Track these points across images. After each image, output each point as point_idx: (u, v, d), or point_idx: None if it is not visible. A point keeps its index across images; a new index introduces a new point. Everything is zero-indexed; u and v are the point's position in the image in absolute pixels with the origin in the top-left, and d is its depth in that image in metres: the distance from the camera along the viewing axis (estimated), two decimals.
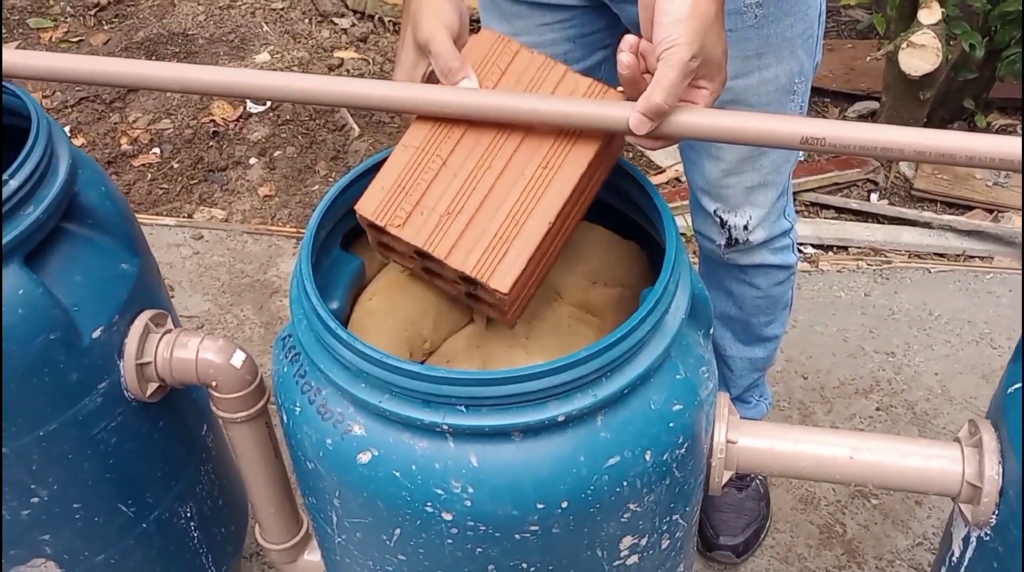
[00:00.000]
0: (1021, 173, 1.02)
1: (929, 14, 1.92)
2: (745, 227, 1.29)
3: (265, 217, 2.14)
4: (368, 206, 0.86)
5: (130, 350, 1.05)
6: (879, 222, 2.19)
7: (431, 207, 0.85)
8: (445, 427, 0.77)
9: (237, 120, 2.39)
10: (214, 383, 1.05)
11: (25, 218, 0.96)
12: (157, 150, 2.33)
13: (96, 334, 1.01)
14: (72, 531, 1.09)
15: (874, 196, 2.27)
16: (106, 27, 2.73)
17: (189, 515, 1.22)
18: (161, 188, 2.22)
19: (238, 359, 1.06)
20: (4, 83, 1.06)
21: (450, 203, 0.85)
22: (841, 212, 2.23)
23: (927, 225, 2.16)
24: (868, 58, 2.23)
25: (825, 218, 2.22)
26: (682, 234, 1.24)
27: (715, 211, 1.30)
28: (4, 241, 0.94)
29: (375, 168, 0.91)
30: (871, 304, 1.86)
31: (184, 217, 2.14)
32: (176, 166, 2.28)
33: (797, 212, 2.10)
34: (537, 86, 0.87)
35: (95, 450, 1.05)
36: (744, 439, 0.94)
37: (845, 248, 2.12)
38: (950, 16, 1.99)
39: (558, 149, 0.85)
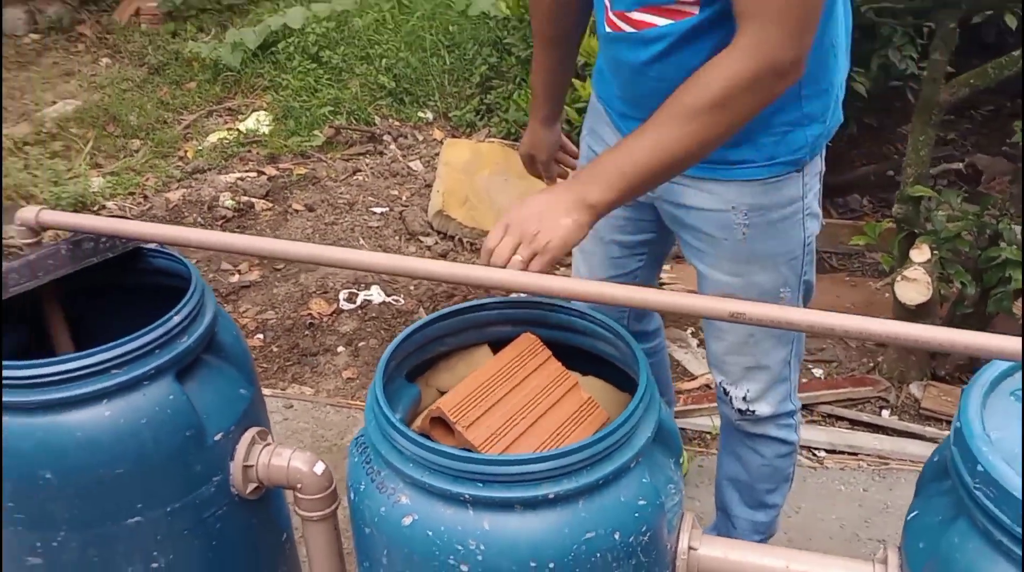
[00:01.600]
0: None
1: (919, 254, 2.26)
2: (744, 398, 1.58)
3: (346, 395, 2.50)
4: (448, 404, 1.19)
5: (239, 454, 1.37)
6: (887, 434, 2.43)
7: (492, 420, 1.18)
8: (467, 497, 1.06)
9: (331, 315, 2.80)
10: (299, 485, 1.36)
11: (180, 345, 1.32)
12: (261, 336, 2.74)
13: (217, 438, 1.34)
14: None
15: (885, 412, 2.51)
16: None
17: None
18: (261, 367, 2.60)
19: (319, 468, 1.36)
20: (170, 252, 1.46)
21: (508, 420, 1.19)
22: (854, 424, 2.48)
23: (932, 440, 2.39)
24: (878, 287, 2.55)
25: (839, 428, 2.47)
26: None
27: (720, 382, 1.61)
28: (164, 361, 1.29)
29: (430, 322, 1.26)
30: (868, 498, 2.08)
31: (278, 390, 2.50)
32: (275, 349, 2.68)
33: (814, 422, 2.38)
34: (545, 395, 1.24)
35: (204, 531, 1.35)
36: (703, 548, 1.20)
37: (855, 454, 2.35)
38: (944, 258, 2.32)
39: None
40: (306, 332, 2.74)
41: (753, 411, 1.59)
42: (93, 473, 1.26)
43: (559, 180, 1.74)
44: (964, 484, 1.00)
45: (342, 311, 2.82)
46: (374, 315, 2.79)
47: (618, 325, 1.28)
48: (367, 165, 3.65)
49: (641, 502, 1.11)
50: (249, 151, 3.82)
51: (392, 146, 3.76)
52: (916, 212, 2.36)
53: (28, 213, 1.37)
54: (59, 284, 1.41)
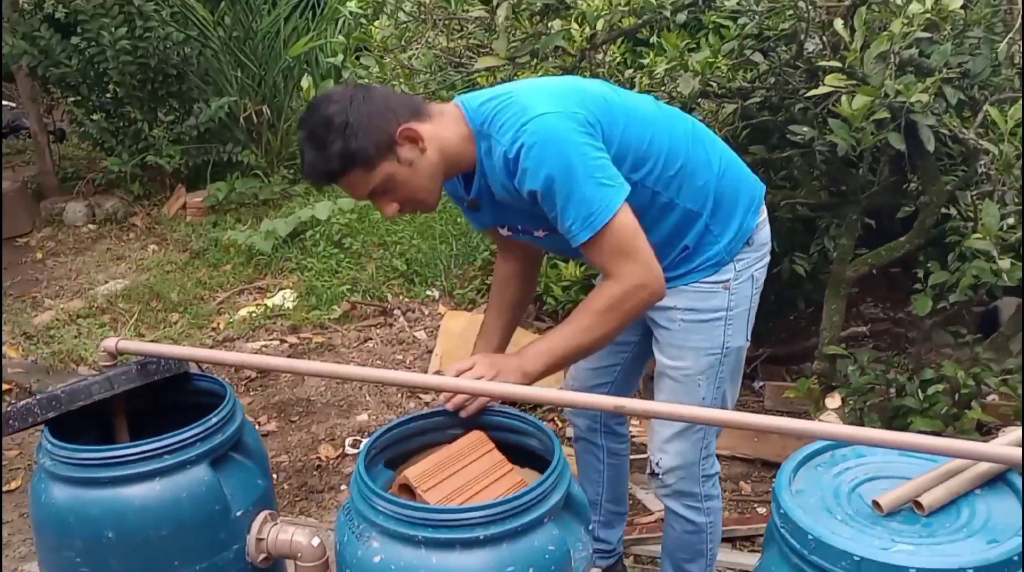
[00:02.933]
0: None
1: (832, 401, 2.67)
2: (657, 464, 2.01)
3: None
4: (412, 473, 1.60)
5: (254, 529, 1.76)
6: None
7: (445, 488, 1.60)
8: (420, 538, 1.45)
9: (337, 458, 3.20)
10: (299, 555, 1.74)
11: (215, 440, 1.74)
12: (275, 475, 3.13)
13: (238, 514, 1.74)
14: None
15: None
16: (251, 393, 3.70)
17: None
18: None
19: (315, 541, 1.75)
20: (212, 375, 1.92)
21: (457, 488, 1.60)
22: None
23: None
24: None
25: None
26: None
27: (649, 448, 2.04)
28: (202, 451, 1.71)
29: (401, 424, 1.69)
30: None
31: (287, 518, 2.87)
32: (286, 487, 3.06)
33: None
34: (487, 475, 1.65)
35: None
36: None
37: None
38: (856, 406, 2.72)
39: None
40: (314, 472, 3.13)
41: (662, 479, 2.02)
42: (144, 535, 1.67)
43: (509, 352, 2.03)
44: (773, 522, 1.40)
45: (347, 455, 3.22)
46: None
47: (540, 424, 1.70)
48: (377, 335, 4.14)
49: (551, 548, 1.49)
50: (274, 323, 4.32)
51: (401, 319, 4.26)
52: (833, 369, 2.79)
53: (109, 342, 1.84)
54: (127, 396, 1.85)
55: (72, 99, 6.02)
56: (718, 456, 3.02)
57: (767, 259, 2.00)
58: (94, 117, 5.90)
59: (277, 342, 4.13)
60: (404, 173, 1.71)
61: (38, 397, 1.76)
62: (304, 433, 3.36)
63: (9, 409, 1.76)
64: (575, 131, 1.67)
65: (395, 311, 4.36)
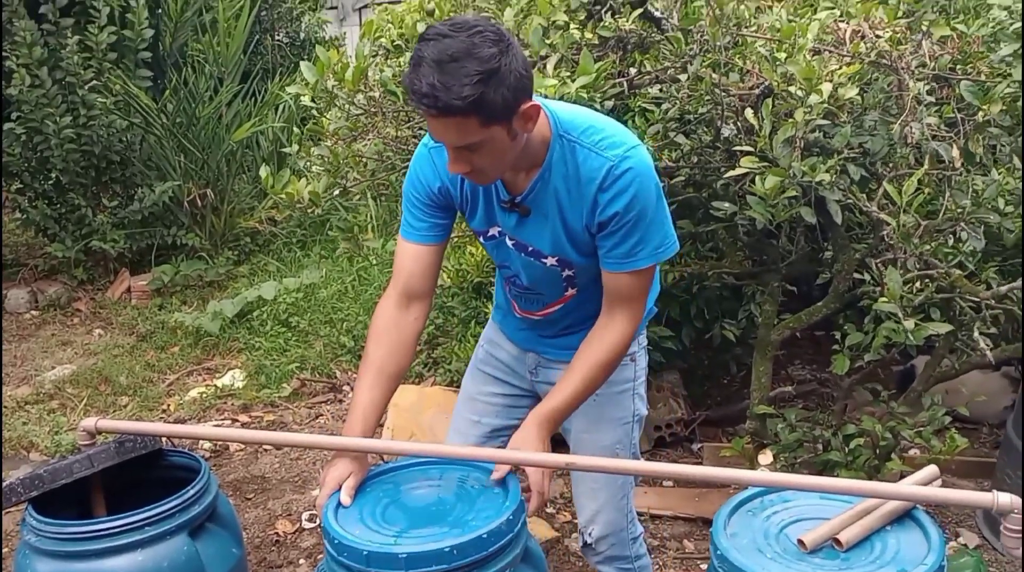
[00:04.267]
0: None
1: (764, 457, 2.86)
2: (590, 534, 2.13)
3: None
4: None
5: None
6: None
7: None
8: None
9: (294, 533, 3.28)
10: None
11: (192, 511, 1.85)
12: None
13: None
14: None
15: None
16: None
17: None
18: None
19: None
20: (186, 451, 2.03)
21: None
22: None
23: None
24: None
25: None
26: None
27: (579, 522, 2.18)
28: (181, 522, 1.82)
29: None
30: None
31: None
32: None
33: None
34: None
35: None
36: None
37: None
38: (788, 462, 2.92)
39: None
40: (272, 548, 3.20)
41: (594, 548, 2.16)
42: None
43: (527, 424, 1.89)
44: (712, 565, 1.56)
45: (303, 530, 3.30)
46: None
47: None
48: (328, 411, 4.25)
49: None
50: (225, 402, 4.40)
51: (350, 395, 4.37)
52: (764, 426, 2.99)
53: (88, 422, 1.94)
54: (103, 472, 1.95)
55: (15, 187, 6.07)
56: (661, 517, 3.21)
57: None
58: (36, 204, 5.96)
59: (228, 422, 4.20)
60: (504, 143, 1.64)
61: (21, 477, 1.86)
62: (260, 509, 3.43)
63: None
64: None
65: (344, 387, 4.47)
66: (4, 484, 1.85)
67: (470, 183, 1.84)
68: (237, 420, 4.22)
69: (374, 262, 5.50)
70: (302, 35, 8.25)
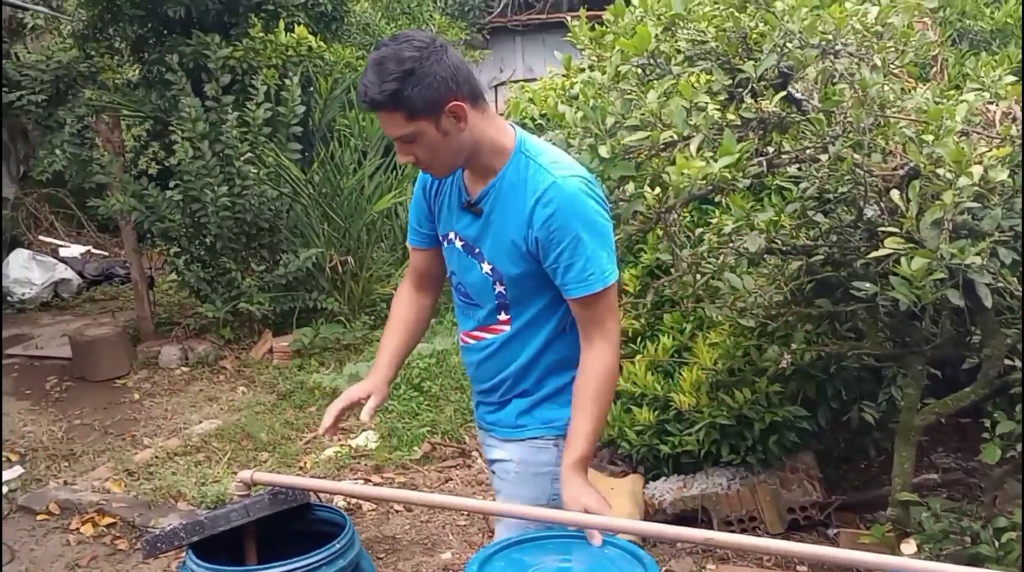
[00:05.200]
0: None
1: (908, 547, 2.75)
2: None
3: None
4: None
5: None
6: None
7: None
8: None
9: None
10: None
11: (338, 564, 1.93)
12: None
13: None
14: None
15: None
16: None
17: None
18: None
19: None
20: (331, 506, 2.12)
21: None
22: None
23: None
24: None
25: None
26: None
27: None
28: None
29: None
30: None
31: None
32: None
33: None
34: None
35: None
36: None
37: None
38: (933, 553, 2.80)
39: None
40: None
41: None
42: None
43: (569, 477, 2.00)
44: None
45: None
46: None
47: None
48: (457, 476, 4.32)
49: None
50: (359, 462, 4.53)
51: (479, 461, 4.44)
52: (907, 514, 2.88)
53: (245, 474, 2.07)
54: (256, 523, 2.06)
55: (174, 250, 6.50)
56: None
57: None
58: (192, 266, 6.35)
59: (362, 481, 4.32)
60: (435, 138, 1.88)
61: (184, 523, 1.98)
62: (391, 570, 3.50)
63: (159, 533, 1.97)
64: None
65: (473, 453, 4.54)
66: (168, 528, 1.98)
67: (444, 190, 2.09)
68: (370, 480, 4.34)
69: None
70: None
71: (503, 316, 2.08)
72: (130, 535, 3.99)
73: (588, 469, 2.00)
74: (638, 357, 3.72)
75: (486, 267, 2.05)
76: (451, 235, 2.11)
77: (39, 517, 4.28)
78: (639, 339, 3.83)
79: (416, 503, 2.01)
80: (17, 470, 4.77)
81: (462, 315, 2.20)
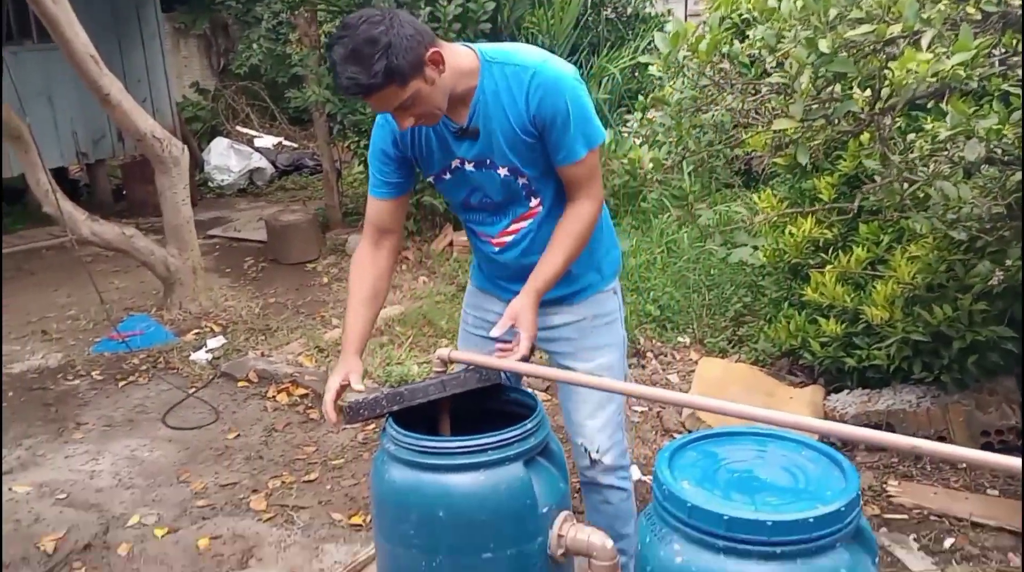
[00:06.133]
0: None
1: None
2: (597, 450, 2.35)
3: None
4: None
5: (555, 526, 1.99)
6: None
7: None
8: (720, 546, 1.61)
9: None
10: (594, 553, 1.95)
11: (529, 443, 1.98)
12: None
13: (544, 510, 1.97)
14: None
15: None
16: None
17: None
18: None
19: (609, 544, 1.95)
20: (523, 388, 2.18)
21: None
22: None
23: None
24: None
25: None
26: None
27: (580, 442, 2.35)
28: (519, 451, 1.96)
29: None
30: None
31: None
32: None
33: None
34: None
35: None
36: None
37: None
38: None
39: None
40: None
41: (602, 461, 2.36)
42: (468, 517, 1.93)
43: (523, 294, 2.18)
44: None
45: None
46: None
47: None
48: (632, 376, 4.34)
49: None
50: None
51: (653, 362, 4.45)
52: None
53: (443, 352, 2.15)
54: (451, 398, 2.14)
55: (363, 143, 6.70)
56: (983, 526, 3.02)
57: None
58: None
59: None
60: (427, 90, 1.94)
61: (385, 393, 2.09)
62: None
63: (361, 400, 2.09)
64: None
65: (648, 354, 4.55)
66: (371, 396, 2.09)
67: (421, 134, 2.15)
68: None
69: (695, 235, 5.45)
70: (628, 11, 8.33)
71: (533, 202, 2.21)
72: (320, 406, 4.25)
73: (540, 297, 2.16)
74: (828, 267, 3.59)
75: (503, 171, 2.14)
76: (455, 164, 2.18)
77: (239, 384, 4.62)
78: (831, 249, 3.68)
79: (607, 389, 2.04)
80: (220, 340, 5.16)
81: (486, 226, 2.28)
